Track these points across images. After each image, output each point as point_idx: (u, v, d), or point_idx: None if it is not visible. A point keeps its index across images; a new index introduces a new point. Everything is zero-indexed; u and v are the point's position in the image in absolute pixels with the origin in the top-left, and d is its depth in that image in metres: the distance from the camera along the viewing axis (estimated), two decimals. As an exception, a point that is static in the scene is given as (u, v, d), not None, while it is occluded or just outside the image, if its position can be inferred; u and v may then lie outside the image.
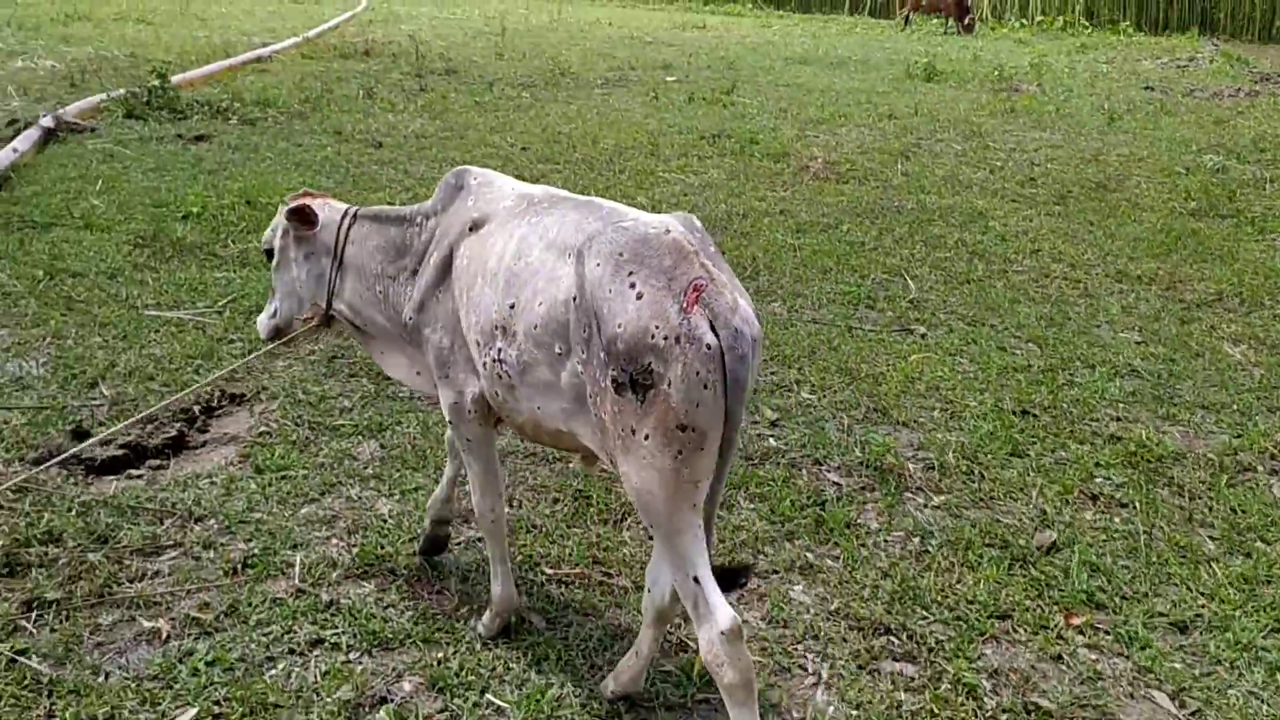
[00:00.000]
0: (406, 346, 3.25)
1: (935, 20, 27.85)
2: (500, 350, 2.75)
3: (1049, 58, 19.93)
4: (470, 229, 2.98)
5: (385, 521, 4.00)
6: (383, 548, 3.82)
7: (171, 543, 3.74)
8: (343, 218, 3.34)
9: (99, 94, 11.79)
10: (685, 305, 2.39)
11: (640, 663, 3.03)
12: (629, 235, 2.53)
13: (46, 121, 10.02)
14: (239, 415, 4.80)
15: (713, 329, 2.39)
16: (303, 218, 3.32)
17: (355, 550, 3.79)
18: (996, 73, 17.35)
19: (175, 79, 12.64)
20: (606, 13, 29.49)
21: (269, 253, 3.47)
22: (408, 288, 3.17)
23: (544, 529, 4.02)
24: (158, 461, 4.39)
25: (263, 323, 3.54)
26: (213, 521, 3.92)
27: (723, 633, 2.47)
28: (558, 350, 2.60)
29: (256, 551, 3.74)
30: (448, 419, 3.13)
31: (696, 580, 2.50)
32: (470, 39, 21.13)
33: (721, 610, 2.49)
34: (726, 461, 2.52)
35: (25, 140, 9.38)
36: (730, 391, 2.42)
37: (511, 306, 2.70)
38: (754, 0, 33.93)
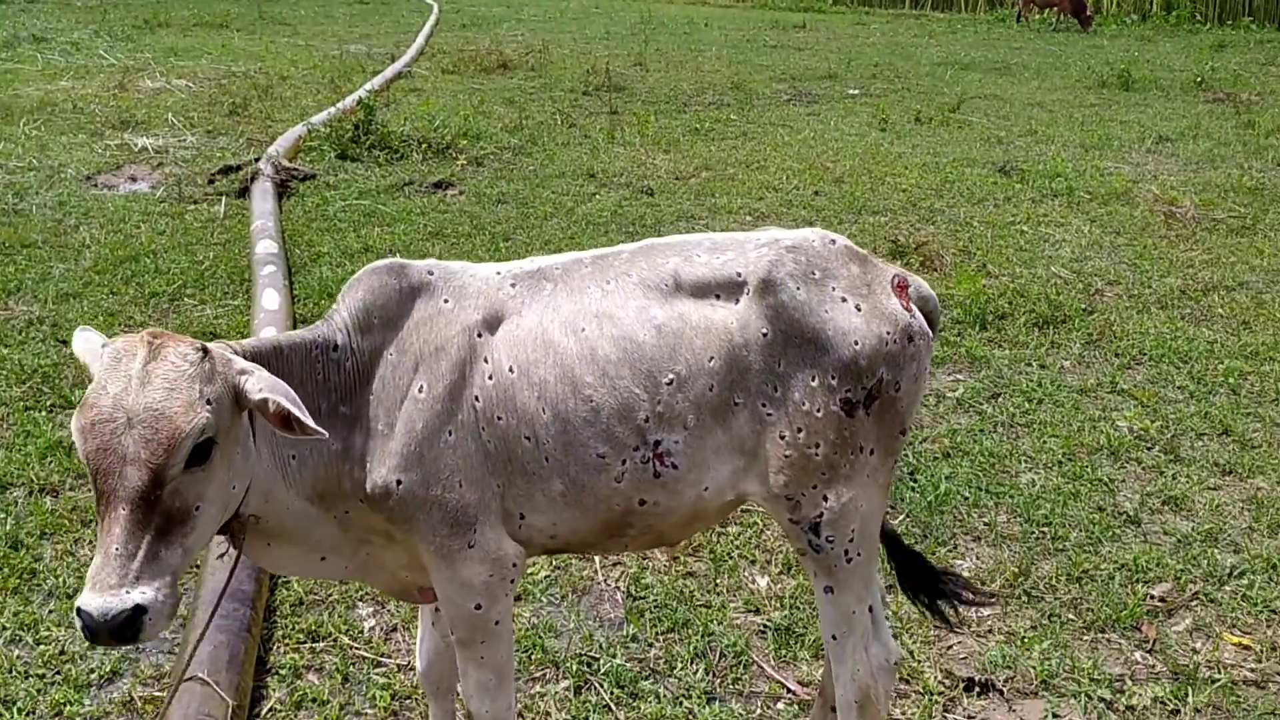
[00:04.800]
0: (314, 527, 2.28)
1: (1039, 17, 26.33)
2: (659, 443, 2.27)
3: (1221, 59, 18.37)
4: (480, 334, 2.28)
5: None
6: None
7: None
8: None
9: (293, 127, 9.98)
10: (904, 304, 2.34)
11: None
12: (807, 253, 2.35)
13: (269, 170, 8.22)
14: None
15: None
16: (286, 424, 1.99)
17: None
18: (1196, 81, 15.77)
19: (338, 106, 10.90)
20: (690, 11, 27.77)
21: (203, 452, 1.93)
22: (334, 443, 2.20)
23: None
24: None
25: (161, 607, 1.85)
26: None
27: (889, 664, 2.57)
28: (736, 402, 2.29)
29: None
30: (471, 607, 2.31)
31: (871, 610, 2.51)
32: (587, 44, 19.38)
33: (892, 642, 2.62)
34: None
35: (264, 196, 7.60)
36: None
37: (670, 383, 2.27)
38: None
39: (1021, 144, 11.35)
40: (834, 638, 2.48)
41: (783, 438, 2.29)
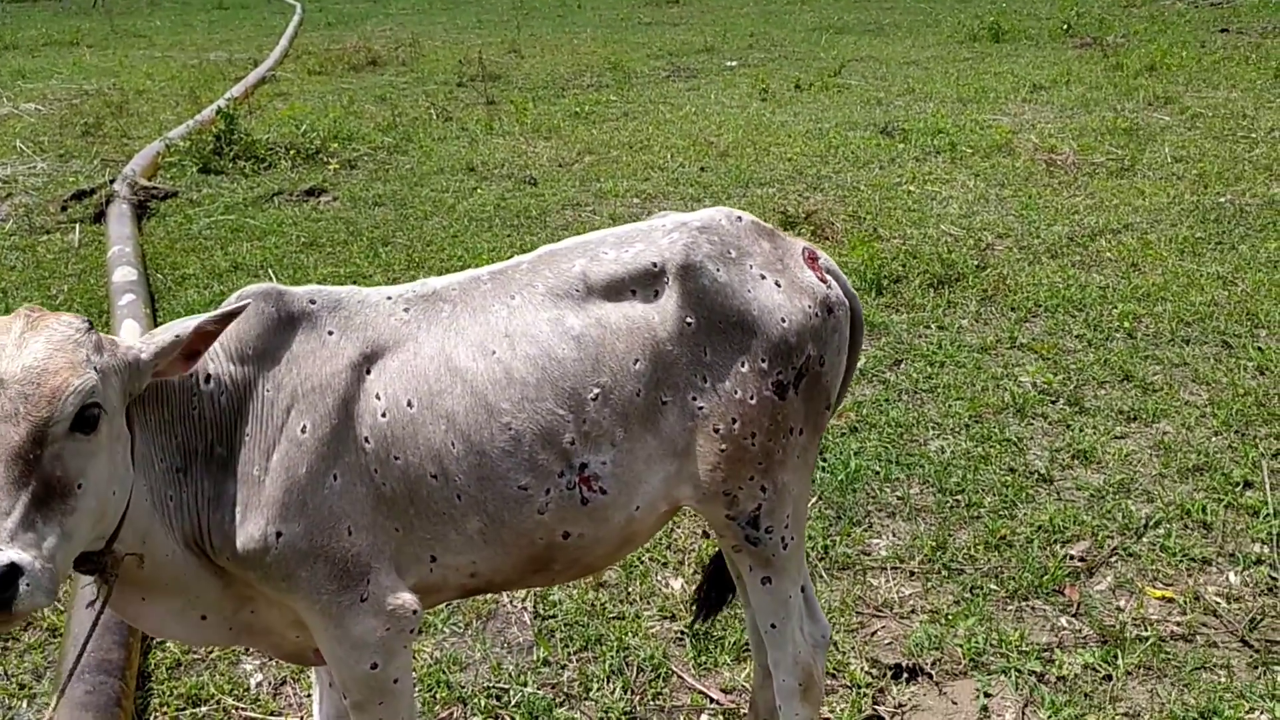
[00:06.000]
0: (193, 579, 2.04)
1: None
2: (585, 467, 2.10)
3: (1085, 4, 18.75)
4: (366, 368, 2.07)
5: None
6: None
7: None
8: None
9: (150, 143, 9.46)
10: (819, 275, 2.25)
11: None
12: (719, 233, 2.24)
13: (125, 191, 7.76)
14: None
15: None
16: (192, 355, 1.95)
17: None
18: (1064, 27, 16.06)
19: (197, 118, 10.41)
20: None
21: (89, 417, 1.74)
22: (205, 483, 1.99)
23: None
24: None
25: (38, 575, 1.63)
26: None
27: (824, 640, 2.51)
28: (664, 401, 2.15)
29: None
30: (366, 666, 2.08)
31: (803, 589, 2.44)
32: (459, 34, 18.97)
33: (823, 617, 2.55)
34: None
35: (121, 220, 7.15)
36: (855, 343, 2.37)
37: (596, 398, 2.11)
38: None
39: (901, 103, 11.37)
40: (773, 626, 2.37)
41: (716, 431, 2.16)
